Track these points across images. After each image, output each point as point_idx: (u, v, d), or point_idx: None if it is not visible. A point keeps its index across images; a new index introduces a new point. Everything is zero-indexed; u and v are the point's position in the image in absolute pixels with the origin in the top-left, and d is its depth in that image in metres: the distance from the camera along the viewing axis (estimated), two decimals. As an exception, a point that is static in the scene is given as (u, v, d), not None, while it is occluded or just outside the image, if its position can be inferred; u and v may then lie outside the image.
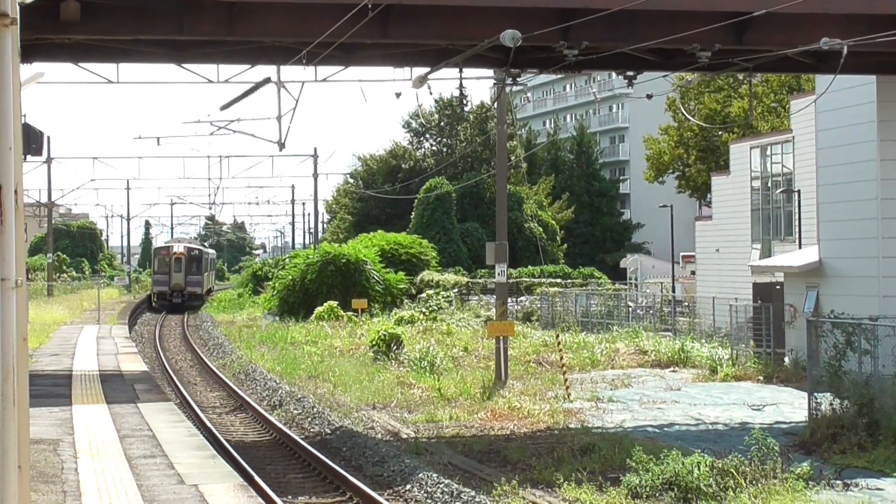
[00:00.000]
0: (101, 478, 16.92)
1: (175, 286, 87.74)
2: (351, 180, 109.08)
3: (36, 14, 24.46)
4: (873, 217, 34.07)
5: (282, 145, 35.29)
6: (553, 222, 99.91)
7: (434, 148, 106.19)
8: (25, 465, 5.85)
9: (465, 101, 35.91)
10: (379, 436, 27.17)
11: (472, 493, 19.88)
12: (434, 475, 21.40)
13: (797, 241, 47.00)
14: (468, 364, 40.73)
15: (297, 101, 33.96)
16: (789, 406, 31.15)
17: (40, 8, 24.68)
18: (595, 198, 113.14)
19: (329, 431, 28.04)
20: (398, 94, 29.69)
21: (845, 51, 25.96)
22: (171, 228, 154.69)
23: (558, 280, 75.94)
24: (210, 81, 30.79)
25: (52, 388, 29.57)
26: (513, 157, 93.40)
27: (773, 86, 76.17)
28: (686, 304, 57.32)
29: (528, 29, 25.25)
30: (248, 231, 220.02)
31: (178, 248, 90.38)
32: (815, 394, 26.25)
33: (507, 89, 34.81)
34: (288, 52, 28.78)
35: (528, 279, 76.84)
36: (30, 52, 27.33)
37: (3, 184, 5.04)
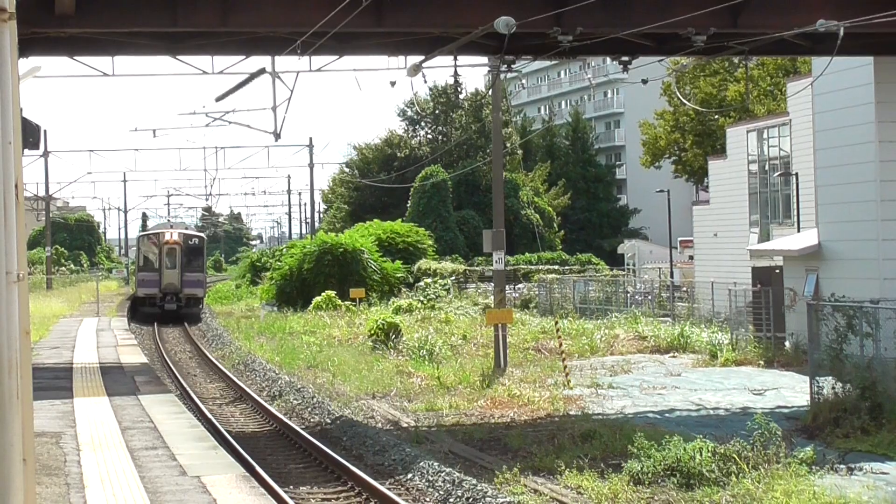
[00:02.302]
0: (104, 470, 16.90)
1: (168, 287, 65.86)
2: (347, 169, 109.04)
3: (31, 8, 24.43)
4: (872, 199, 34.03)
5: (277, 135, 35.31)
6: (549, 209, 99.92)
7: (429, 136, 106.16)
8: (30, 458, 5.83)
9: (459, 89, 35.89)
10: (379, 425, 27.16)
11: (474, 481, 19.85)
12: (435, 464, 21.39)
13: (796, 224, 46.97)
14: (467, 352, 40.72)
15: (291, 91, 34.00)
16: (791, 390, 31.12)
17: (35, 2, 24.65)
18: (591, 184, 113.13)
19: (329, 421, 28.03)
20: (393, 83, 29.72)
21: (842, 32, 25.90)
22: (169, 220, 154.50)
23: (556, 267, 75.97)
24: (205, 73, 30.81)
25: (54, 381, 29.56)
26: (508, 145, 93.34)
27: (770, 69, 76.09)
28: (685, 289, 57.33)
29: (522, 15, 25.20)
30: (245, 222, 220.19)
31: (172, 235, 67.91)
32: (817, 378, 26.20)
33: (502, 76, 34.76)
34: (282, 43, 28.74)
35: (525, 266, 76.89)
36: (25, 47, 27.25)
37: (3, 178, 5.00)
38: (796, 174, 47.84)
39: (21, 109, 7.02)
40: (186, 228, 79.10)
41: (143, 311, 66.27)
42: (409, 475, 21.20)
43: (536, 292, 64.52)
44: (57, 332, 49.96)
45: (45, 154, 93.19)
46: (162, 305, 65.55)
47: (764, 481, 18.66)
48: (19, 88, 6.80)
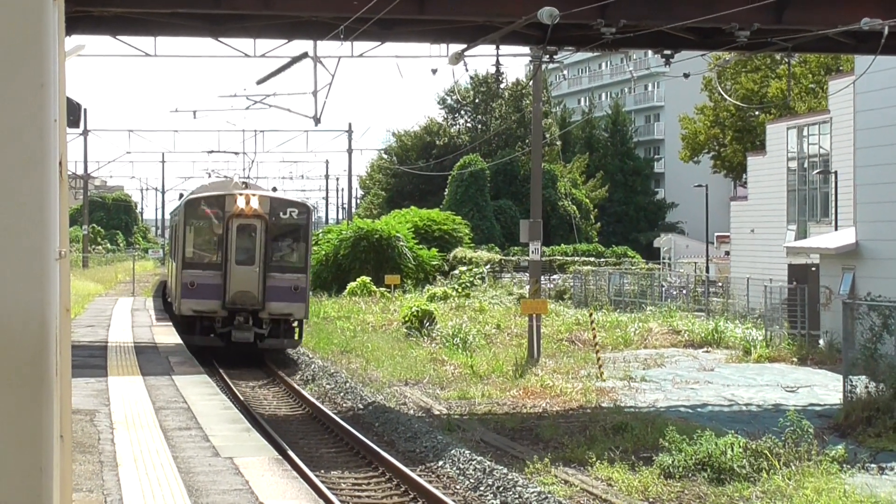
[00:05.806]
0: (137, 449, 16.98)
1: (238, 298, 35.87)
2: (385, 156, 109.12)
3: (75, -14, 24.53)
4: (911, 199, 33.86)
5: (317, 120, 35.29)
6: (587, 201, 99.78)
7: (469, 125, 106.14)
8: (68, 435, 5.88)
9: (501, 79, 35.80)
10: (411, 412, 27.21)
11: (505, 470, 19.88)
12: (466, 452, 21.42)
13: (833, 222, 46.77)
14: (501, 341, 40.72)
15: (333, 76, 33.94)
16: (824, 388, 31.02)
17: (80, -20, 24.78)
18: (629, 176, 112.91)
19: (361, 406, 28.10)
20: (434, 71, 29.89)
21: (886, 31, 25.77)
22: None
23: (591, 259, 75.92)
24: (247, 55, 30.84)
25: (88, 360, 29.65)
26: (547, 135, 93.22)
27: (812, 66, 75.74)
28: (720, 284, 57.18)
29: (566, 6, 25.16)
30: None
31: (250, 201, 36.33)
32: (851, 376, 26.13)
33: (543, 67, 34.70)
34: (325, 27, 28.76)
35: (561, 257, 76.81)
36: (70, 25, 27.36)
37: (49, 155, 5.04)
38: (835, 172, 47.63)
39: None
40: (274, 191, 41.42)
41: (192, 343, 35.33)
42: (441, 462, 21.24)
43: (571, 284, 64.47)
44: (92, 310, 50.17)
45: (85, 133, 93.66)
46: (227, 333, 36.21)
47: (795, 478, 18.62)
48: (65, 66, 6.86)
